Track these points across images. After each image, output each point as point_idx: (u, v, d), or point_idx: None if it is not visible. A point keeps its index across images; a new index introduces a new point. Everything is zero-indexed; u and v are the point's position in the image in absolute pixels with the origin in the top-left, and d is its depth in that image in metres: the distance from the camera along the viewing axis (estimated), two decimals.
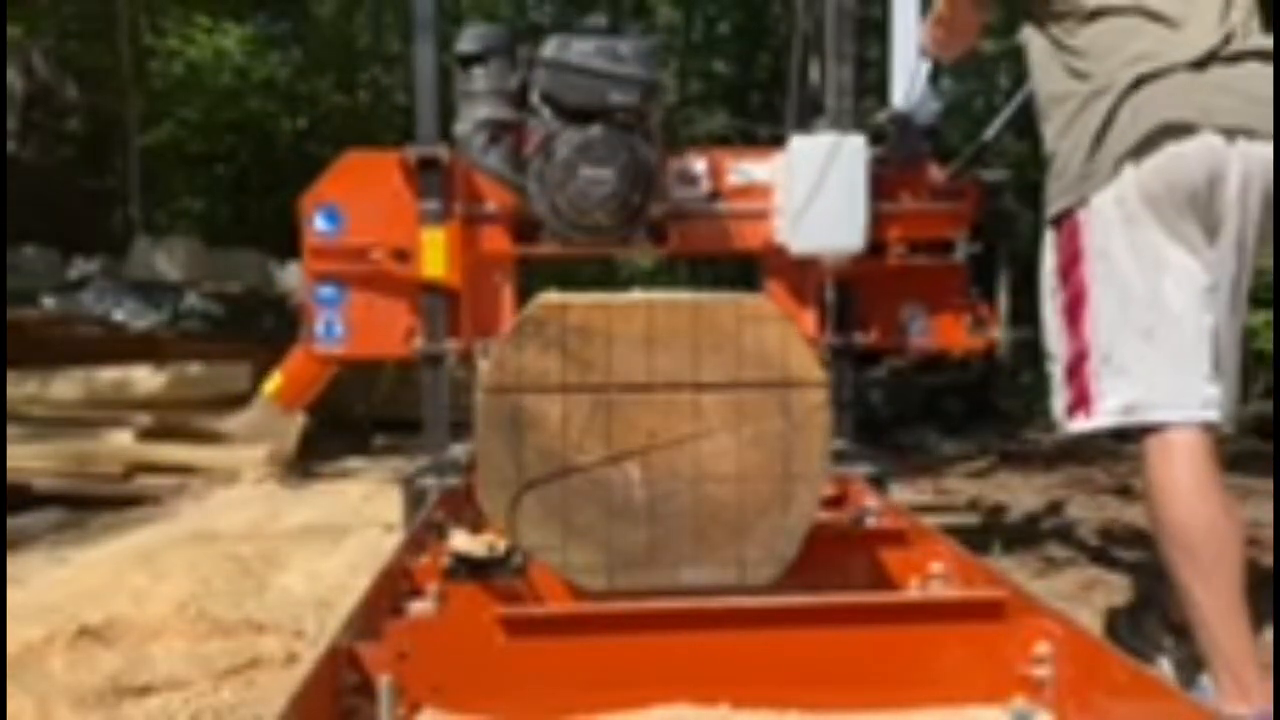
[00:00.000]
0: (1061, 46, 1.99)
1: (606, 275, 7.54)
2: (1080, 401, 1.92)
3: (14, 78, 8.46)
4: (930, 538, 1.99)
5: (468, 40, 2.92)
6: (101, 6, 8.36)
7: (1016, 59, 2.58)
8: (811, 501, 1.67)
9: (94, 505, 4.28)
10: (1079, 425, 1.93)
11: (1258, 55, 1.90)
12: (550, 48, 2.75)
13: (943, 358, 7.27)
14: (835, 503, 2.31)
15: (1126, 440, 2.15)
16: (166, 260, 6.03)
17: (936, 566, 1.90)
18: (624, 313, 1.64)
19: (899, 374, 7.36)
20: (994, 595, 1.54)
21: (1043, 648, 1.43)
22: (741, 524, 1.64)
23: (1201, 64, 1.87)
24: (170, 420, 4.83)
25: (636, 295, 1.72)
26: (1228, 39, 1.89)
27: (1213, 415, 1.83)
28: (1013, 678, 1.45)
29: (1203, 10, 1.90)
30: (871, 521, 2.15)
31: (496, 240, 3.08)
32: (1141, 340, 1.85)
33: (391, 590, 1.66)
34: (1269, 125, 1.86)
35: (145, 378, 4.86)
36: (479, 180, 3.03)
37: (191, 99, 9.29)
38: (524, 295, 2.85)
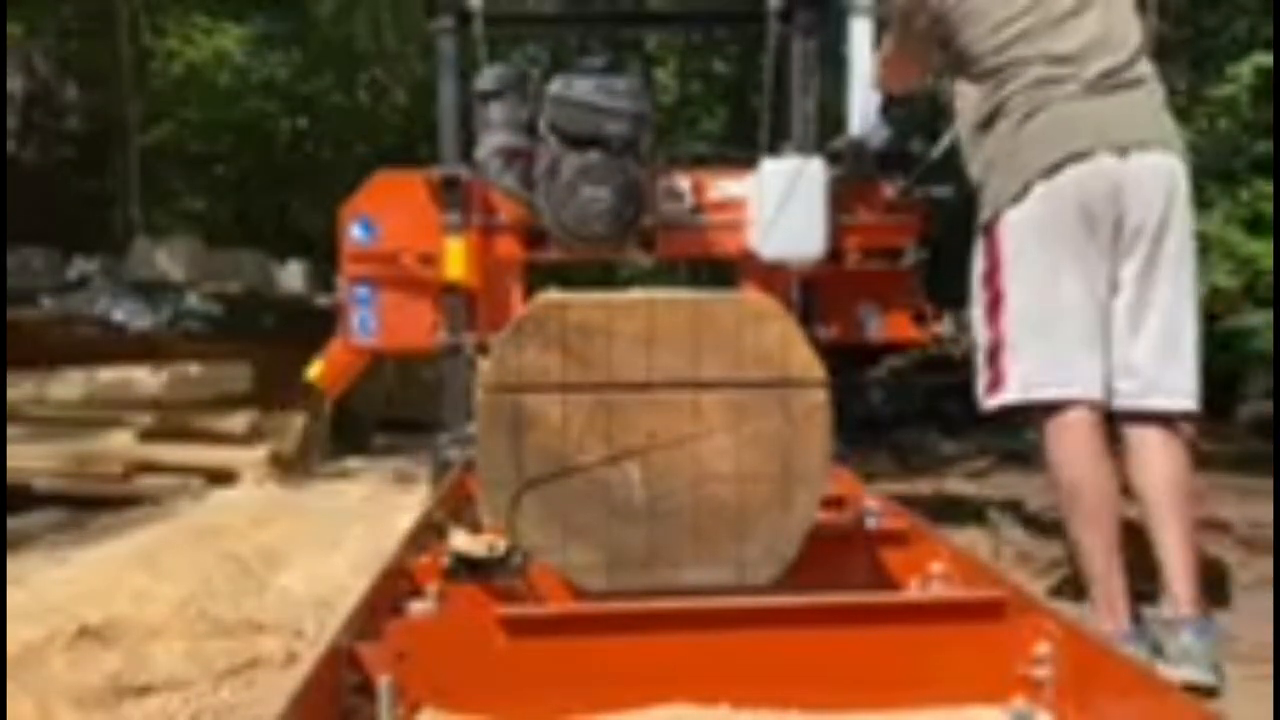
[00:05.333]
0: (980, 95, 2.34)
1: (608, 276, 7.53)
2: (994, 382, 2.29)
3: (14, 78, 8.45)
4: (930, 538, 2.00)
5: (486, 79, 3.38)
6: (101, 6, 8.35)
7: None
8: (811, 501, 1.67)
9: (94, 505, 4.27)
10: (993, 401, 2.30)
11: (1138, 82, 2.26)
12: (556, 86, 3.19)
13: (944, 359, 7.28)
14: (835, 503, 2.31)
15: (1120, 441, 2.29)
16: (166, 260, 6.01)
17: (936, 566, 1.90)
18: (624, 311, 1.64)
19: (899, 374, 7.34)
20: (994, 595, 1.54)
21: (1043, 648, 1.44)
22: (741, 524, 1.64)
23: (1092, 92, 2.22)
24: (170, 420, 4.82)
25: (637, 294, 1.72)
26: (1112, 70, 2.23)
27: (1096, 394, 2.20)
28: (1013, 678, 1.45)
29: (1091, 48, 2.24)
30: (871, 521, 2.15)
31: (508, 247, 3.59)
32: (1038, 330, 2.21)
33: (391, 590, 1.66)
34: (1159, 135, 2.23)
35: (145, 378, 4.85)
36: (493, 196, 3.50)
37: (191, 99, 9.27)
38: (532, 295, 2.96)
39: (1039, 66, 2.25)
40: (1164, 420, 2.23)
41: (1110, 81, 2.24)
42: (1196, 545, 2.19)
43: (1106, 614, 2.16)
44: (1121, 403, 2.24)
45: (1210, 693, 1.98)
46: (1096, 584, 2.18)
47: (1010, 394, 2.25)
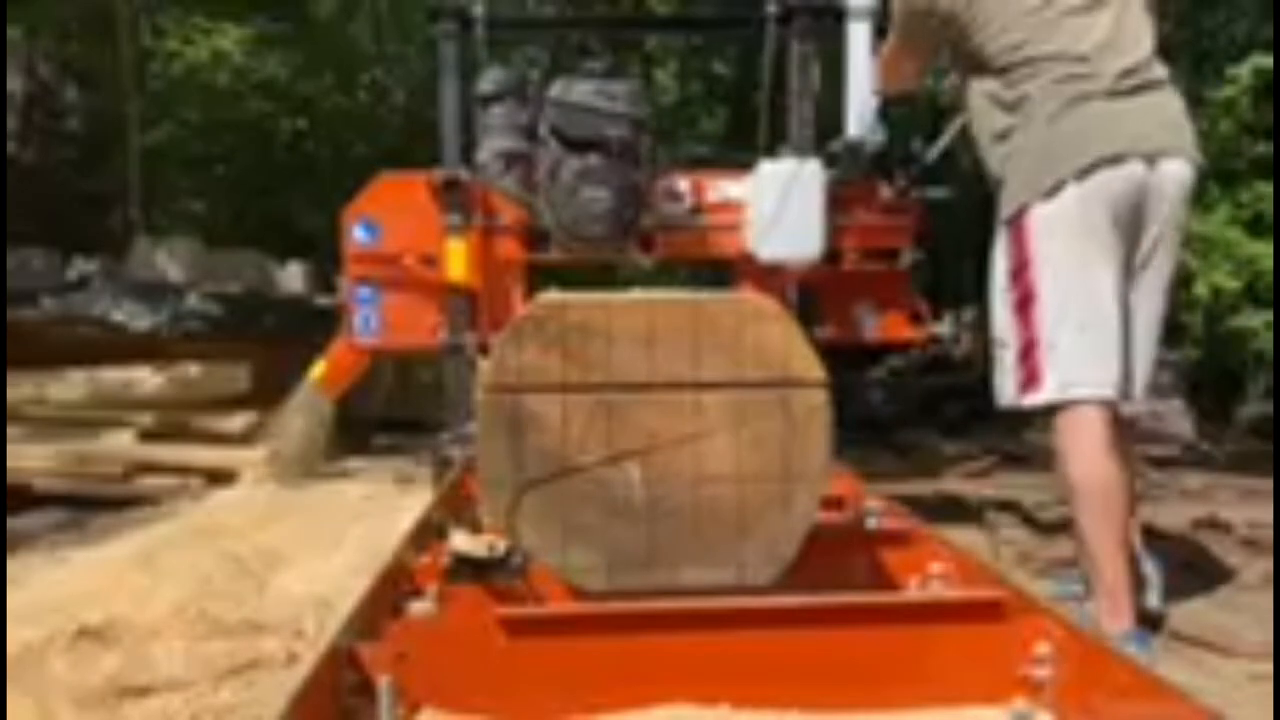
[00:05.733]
0: (999, 91, 2.37)
1: (608, 276, 7.55)
2: (1030, 381, 2.29)
3: (14, 78, 8.45)
4: (930, 538, 1.99)
5: (487, 83, 3.46)
6: (101, 7, 8.35)
7: None
8: (811, 502, 1.67)
9: (94, 505, 4.26)
10: (1029, 400, 2.30)
11: (1159, 84, 2.32)
12: (556, 89, 3.26)
13: (944, 359, 7.29)
14: (835, 503, 2.31)
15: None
16: (166, 261, 6.02)
17: (936, 566, 1.90)
18: (624, 311, 1.64)
19: (899, 374, 7.35)
20: (994, 595, 1.54)
21: (1043, 648, 1.43)
22: (741, 524, 1.64)
23: (1116, 92, 2.25)
24: (170, 420, 4.82)
25: (637, 294, 1.72)
26: (1131, 70, 2.27)
27: (1112, 393, 2.24)
28: (1013, 678, 1.45)
29: (1107, 46, 2.28)
30: (872, 522, 2.15)
31: (509, 248, 3.66)
32: (1077, 331, 2.23)
33: (391, 590, 1.66)
34: (1181, 143, 2.28)
35: (145, 378, 4.84)
36: (494, 198, 3.58)
37: (191, 100, 9.28)
38: (533, 295, 3.00)
39: (1061, 64, 2.27)
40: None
41: (1131, 81, 2.27)
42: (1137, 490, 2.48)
43: (1110, 610, 2.18)
44: None
45: (1158, 618, 2.36)
46: (1101, 580, 2.21)
47: (1047, 393, 2.25)
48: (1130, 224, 2.25)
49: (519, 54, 9.69)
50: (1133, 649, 2.03)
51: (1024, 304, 2.30)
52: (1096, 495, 2.21)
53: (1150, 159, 2.24)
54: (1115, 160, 2.22)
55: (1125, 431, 2.34)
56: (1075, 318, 2.23)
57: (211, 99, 9.13)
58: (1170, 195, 2.26)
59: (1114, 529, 2.20)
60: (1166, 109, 2.32)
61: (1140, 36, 2.33)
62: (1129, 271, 2.30)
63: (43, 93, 8.95)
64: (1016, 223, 2.31)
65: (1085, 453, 2.22)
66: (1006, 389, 2.36)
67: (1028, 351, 2.29)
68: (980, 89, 2.43)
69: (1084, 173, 2.22)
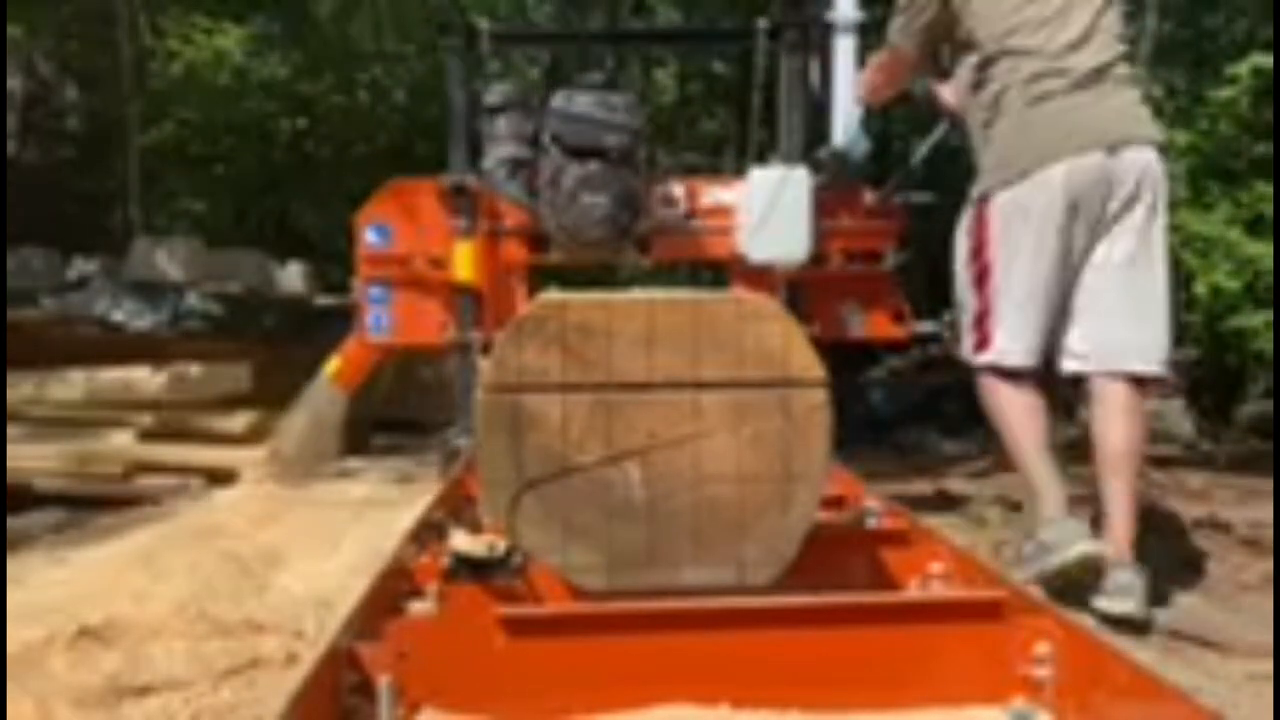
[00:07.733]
0: (982, 80, 2.57)
1: (608, 277, 7.56)
2: (982, 343, 2.57)
3: (14, 78, 8.46)
4: (930, 538, 2.00)
5: (493, 95, 3.67)
6: (101, 7, 8.34)
7: None
8: (811, 501, 1.67)
9: (94, 505, 4.26)
10: (981, 359, 2.56)
11: (1125, 81, 2.50)
12: (558, 100, 3.45)
13: (944, 359, 7.29)
14: (835, 503, 2.31)
15: None
16: (166, 260, 6.01)
17: (936, 566, 1.91)
18: (624, 311, 1.64)
19: (899, 374, 7.34)
20: (994, 595, 1.54)
21: (1043, 648, 1.44)
22: (741, 524, 1.64)
23: (1085, 88, 2.43)
24: (170, 420, 4.82)
25: (637, 294, 1.72)
26: (1101, 67, 2.44)
27: (1036, 361, 2.50)
28: (1013, 678, 1.46)
29: (1080, 44, 2.45)
30: (871, 521, 2.16)
31: (514, 251, 3.86)
32: (1016, 308, 2.49)
33: (391, 590, 1.66)
34: (1140, 132, 2.45)
35: (145, 378, 4.84)
36: (499, 203, 3.77)
37: (191, 99, 9.26)
38: (535, 295, 3.11)
39: (1036, 60, 2.47)
40: (1135, 382, 2.44)
41: (1100, 78, 2.46)
42: (1139, 496, 2.47)
43: (1050, 503, 2.39)
44: (1096, 365, 2.47)
45: (1143, 626, 2.29)
46: (1033, 479, 2.44)
47: (992, 354, 2.53)
48: (1094, 205, 2.42)
49: (520, 53, 9.67)
50: (1082, 546, 2.25)
51: (980, 279, 2.57)
52: (1016, 409, 2.46)
53: (1112, 148, 2.41)
54: (1077, 152, 2.40)
55: (1142, 397, 2.48)
56: (1017, 294, 2.48)
57: (211, 99, 9.11)
58: (1131, 174, 2.42)
59: (1036, 434, 2.44)
60: (1131, 103, 2.51)
61: (1112, 36, 2.51)
62: (1094, 245, 2.47)
63: (43, 92, 8.96)
64: (980, 205, 2.56)
65: (1005, 393, 2.49)
66: (966, 348, 2.66)
67: (981, 319, 2.58)
68: (967, 78, 2.63)
69: (1046, 163, 2.41)
